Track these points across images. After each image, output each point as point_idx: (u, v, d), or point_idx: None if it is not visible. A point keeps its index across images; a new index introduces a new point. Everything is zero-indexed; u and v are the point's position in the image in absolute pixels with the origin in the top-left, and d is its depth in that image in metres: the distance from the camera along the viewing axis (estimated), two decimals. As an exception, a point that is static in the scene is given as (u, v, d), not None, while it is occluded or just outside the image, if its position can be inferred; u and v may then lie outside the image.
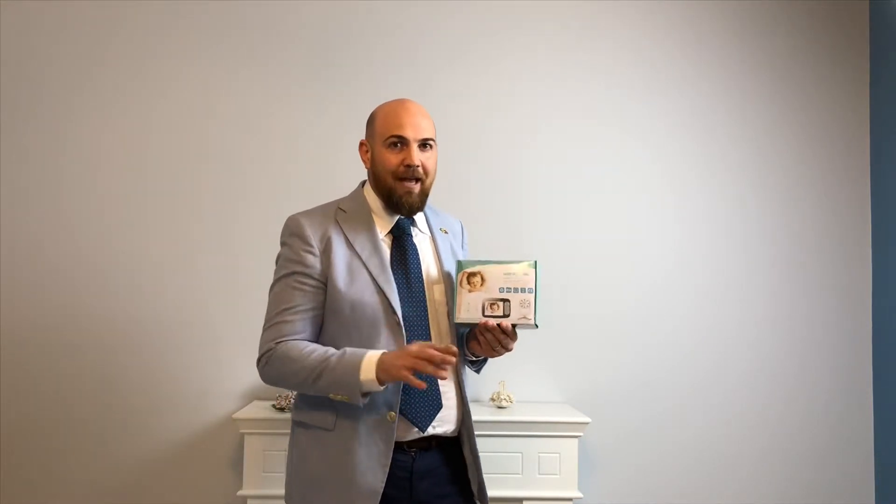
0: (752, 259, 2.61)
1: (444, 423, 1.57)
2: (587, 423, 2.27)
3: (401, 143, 1.54)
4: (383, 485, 1.45)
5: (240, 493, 2.20)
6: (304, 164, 2.54)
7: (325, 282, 1.51)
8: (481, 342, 1.51)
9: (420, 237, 1.64)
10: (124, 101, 2.53)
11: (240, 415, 2.22)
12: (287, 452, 1.63)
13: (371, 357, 1.42)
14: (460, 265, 1.53)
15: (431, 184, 1.60)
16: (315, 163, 2.54)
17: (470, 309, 1.48)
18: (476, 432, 2.16)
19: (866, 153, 2.66)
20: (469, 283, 1.51)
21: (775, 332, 2.60)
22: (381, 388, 1.43)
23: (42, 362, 2.45)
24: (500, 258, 1.55)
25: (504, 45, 2.61)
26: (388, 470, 1.46)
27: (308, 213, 1.61)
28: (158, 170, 2.52)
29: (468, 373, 1.68)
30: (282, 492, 2.17)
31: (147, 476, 2.44)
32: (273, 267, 1.60)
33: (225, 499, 2.42)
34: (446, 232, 1.69)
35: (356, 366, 1.41)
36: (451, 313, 1.54)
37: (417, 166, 1.53)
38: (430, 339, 1.52)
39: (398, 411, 1.48)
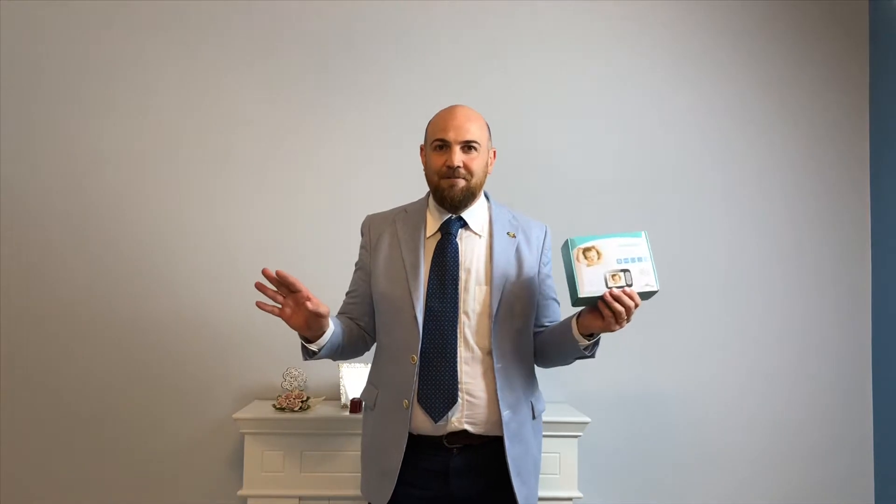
0: (751, 259, 2.61)
1: (475, 421, 1.58)
2: (587, 423, 2.27)
3: (444, 145, 1.63)
4: (399, 465, 1.56)
5: (240, 493, 2.20)
6: (306, 166, 2.54)
7: (370, 273, 1.70)
8: (605, 315, 1.48)
9: (470, 239, 1.68)
10: (127, 102, 2.53)
11: (240, 415, 2.22)
12: None
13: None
14: (571, 243, 1.52)
15: (479, 183, 1.66)
16: (318, 163, 2.55)
17: (593, 282, 1.47)
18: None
19: (866, 153, 2.66)
20: (586, 257, 1.51)
21: (775, 332, 2.60)
22: (309, 345, 1.55)
23: (43, 362, 2.46)
24: (607, 234, 1.54)
25: (522, 47, 2.61)
26: (403, 452, 1.56)
27: (377, 213, 1.78)
28: (162, 170, 2.52)
29: (516, 374, 1.64)
30: (282, 492, 2.19)
31: (147, 476, 2.45)
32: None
33: (225, 499, 2.43)
34: (514, 236, 1.71)
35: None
36: (573, 290, 1.51)
37: (458, 167, 1.62)
38: (456, 335, 1.59)
39: (417, 401, 1.57)
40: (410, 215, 1.73)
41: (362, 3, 2.59)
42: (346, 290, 1.77)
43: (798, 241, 2.63)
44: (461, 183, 1.63)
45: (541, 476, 2.19)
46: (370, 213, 1.79)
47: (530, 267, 1.69)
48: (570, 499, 2.22)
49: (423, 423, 1.57)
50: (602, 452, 2.51)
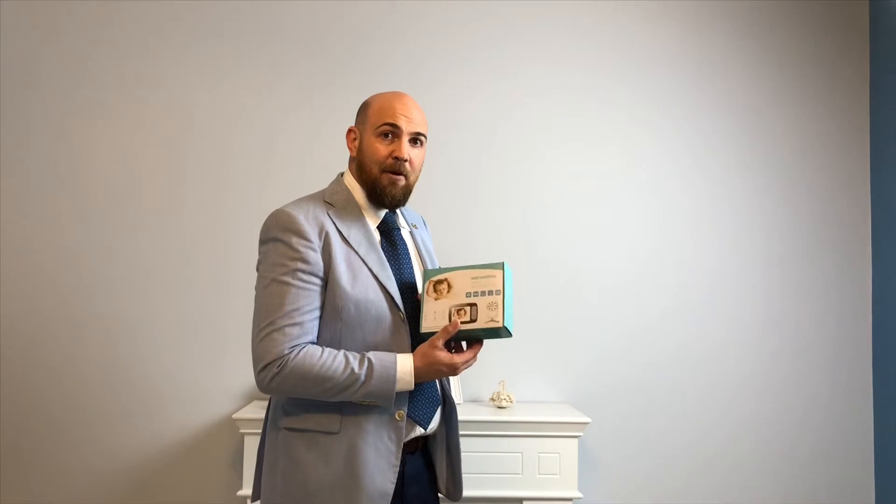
0: (752, 260, 2.61)
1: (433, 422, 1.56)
2: (587, 423, 2.27)
3: (393, 133, 1.47)
4: (393, 485, 1.40)
5: (240, 493, 2.20)
6: (303, 163, 2.54)
7: (326, 280, 1.42)
8: (454, 347, 1.46)
9: (405, 232, 1.60)
10: (121, 101, 2.53)
11: (240, 415, 2.22)
12: (266, 464, 1.49)
13: (404, 368, 1.39)
14: (426, 274, 1.47)
15: (416, 181, 1.54)
16: (313, 161, 2.54)
17: (437, 317, 1.41)
18: (476, 432, 2.18)
19: (866, 153, 2.66)
20: (435, 291, 1.45)
21: (776, 333, 2.60)
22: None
23: (42, 362, 2.46)
24: (467, 264, 1.48)
25: (511, 49, 2.61)
26: (397, 470, 1.40)
27: (298, 207, 1.47)
28: (158, 168, 2.52)
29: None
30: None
31: (147, 476, 2.45)
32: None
33: (225, 499, 2.42)
34: (416, 227, 1.66)
35: (390, 379, 1.37)
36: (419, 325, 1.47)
37: (406, 160, 1.46)
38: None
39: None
40: (341, 209, 1.49)
41: (361, 3, 2.59)
42: (289, 307, 1.39)
43: (798, 241, 2.63)
44: (402, 181, 1.48)
45: (541, 476, 2.22)
46: None
47: (434, 257, 1.66)
48: (570, 499, 2.22)
49: (406, 437, 1.45)
50: (602, 452, 2.51)
